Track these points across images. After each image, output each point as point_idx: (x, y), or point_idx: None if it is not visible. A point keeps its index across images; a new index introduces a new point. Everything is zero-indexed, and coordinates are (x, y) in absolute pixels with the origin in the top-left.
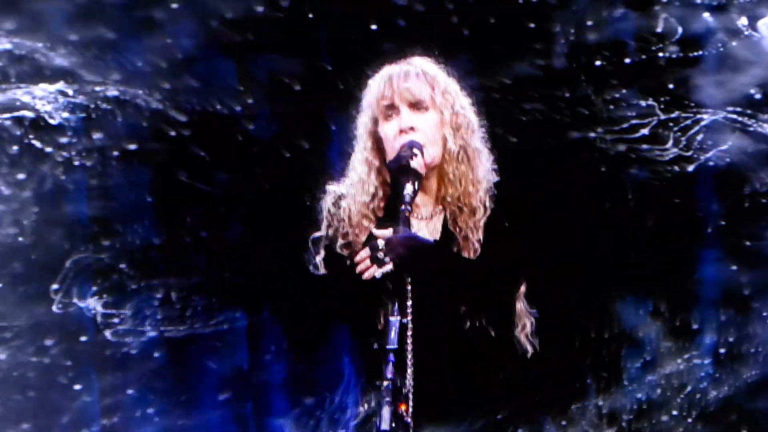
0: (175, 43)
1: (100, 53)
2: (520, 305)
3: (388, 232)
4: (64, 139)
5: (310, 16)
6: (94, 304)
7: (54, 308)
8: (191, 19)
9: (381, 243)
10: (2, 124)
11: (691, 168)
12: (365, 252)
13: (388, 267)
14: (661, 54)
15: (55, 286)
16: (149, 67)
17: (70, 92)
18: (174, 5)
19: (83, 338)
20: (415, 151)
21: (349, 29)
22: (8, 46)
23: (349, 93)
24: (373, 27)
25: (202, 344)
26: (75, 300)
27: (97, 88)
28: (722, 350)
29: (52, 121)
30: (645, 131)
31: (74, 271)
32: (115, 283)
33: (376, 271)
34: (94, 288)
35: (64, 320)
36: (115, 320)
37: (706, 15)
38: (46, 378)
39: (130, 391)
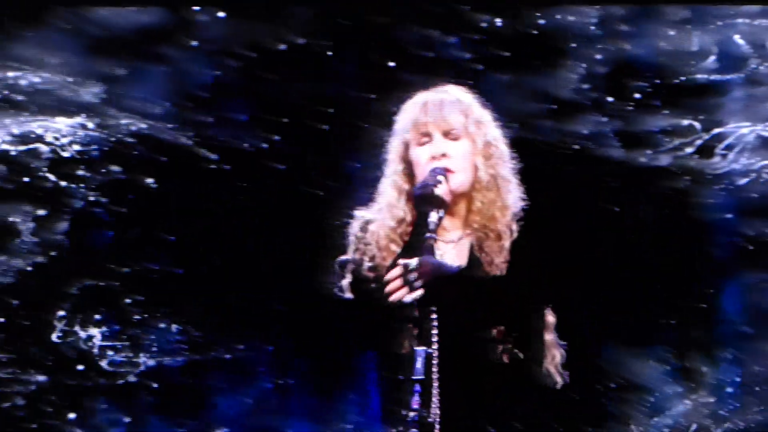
0: (196, 79)
1: (122, 88)
2: (550, 337)
3: (414, 261)
4: (79, 172)
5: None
6: (95, 333)
7: (54, 337)
8: (212, 56)
9: (414, 262)
10: (18, 155)
11: (740, 182)
12: (398, 270)
13: (418, 293)
14: (698, 75)
15: (61, 313)
16: (171, 102)
17: (90, 125)
18: (194, 42)
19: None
20: (440, 178)
21: (370, 64)
22: (36, 79)
23: (380, 119)
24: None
25: (222, 372)
26: (77, 328)
27: (121, 122)
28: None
29: (65, 154)
30: (689, 150)
31: (82, 298)
32: (120, 312)
33: (406, 296)
34: (98, 317)
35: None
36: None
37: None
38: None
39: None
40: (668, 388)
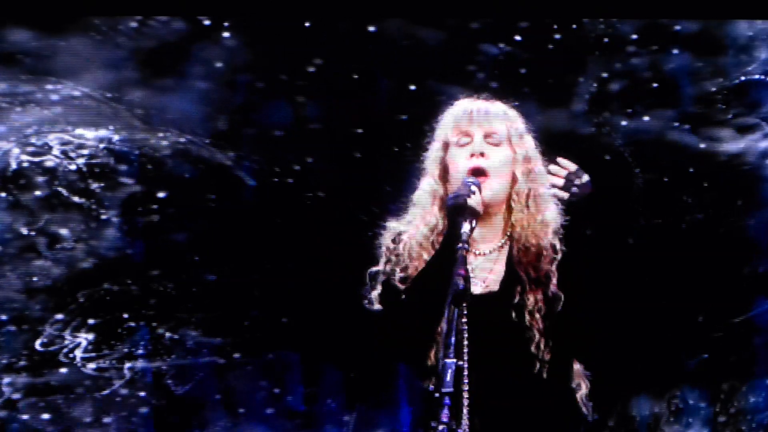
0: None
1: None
2: (576, 366)
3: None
4: (96, 184)
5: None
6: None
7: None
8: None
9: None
10: (35, 165)
11: None
12: (567, 168)
13: (565, 195)
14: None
15: (59, 316)
16: (199, 114)
17: (116, 138)
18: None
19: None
20: (473, 189)
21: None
22: (76, 93)
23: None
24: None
25: (255, 383)
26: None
27: (145, 135)
28: None
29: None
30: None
31: (83, 304)
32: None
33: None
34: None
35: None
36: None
37: None
38: None
39: None
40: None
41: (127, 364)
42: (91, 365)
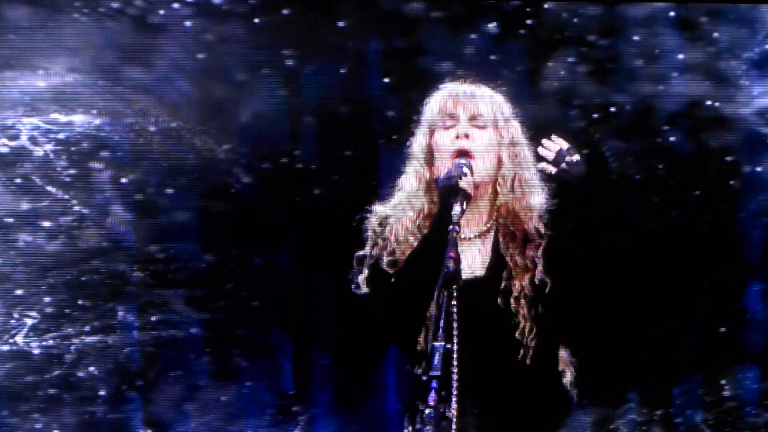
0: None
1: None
2: (562, 352)
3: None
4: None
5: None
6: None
7: None
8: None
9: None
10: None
11: None
12: (559, 144)
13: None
14: None
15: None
16: (198, 101)
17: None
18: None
19: None
20: (465, 170)
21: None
22: (69, 79)
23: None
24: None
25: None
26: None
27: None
28: None
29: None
30: None
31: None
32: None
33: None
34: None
35: None
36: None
37: None
38: None
39: None
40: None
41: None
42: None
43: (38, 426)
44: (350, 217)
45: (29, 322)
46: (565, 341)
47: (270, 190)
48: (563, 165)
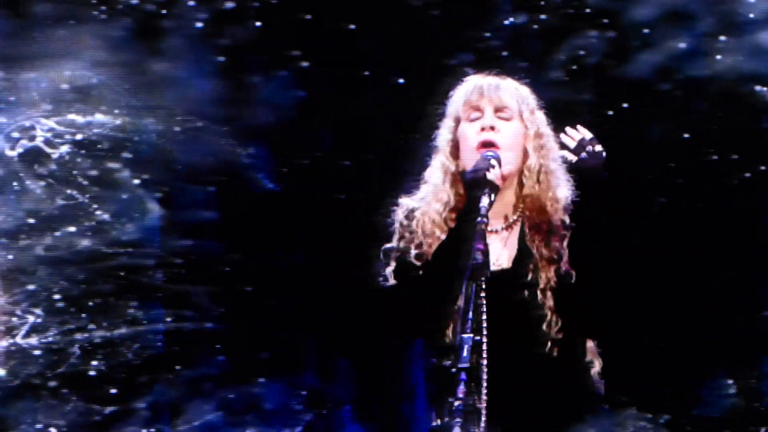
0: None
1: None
2: (589, 343)
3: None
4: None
5: None
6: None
7: None
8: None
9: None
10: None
11: None
12: (582, 133)
13: (573, 157)
14: None
15: None
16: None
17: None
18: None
19: None
20: (493, 162)
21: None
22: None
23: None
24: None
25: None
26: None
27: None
28: None
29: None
30: None
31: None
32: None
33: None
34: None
35: None
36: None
37: None
38: None
39: None
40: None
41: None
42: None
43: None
44: (370, 214)
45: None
46: (591, 333)
47: (293, 190)
48: (583, 154)
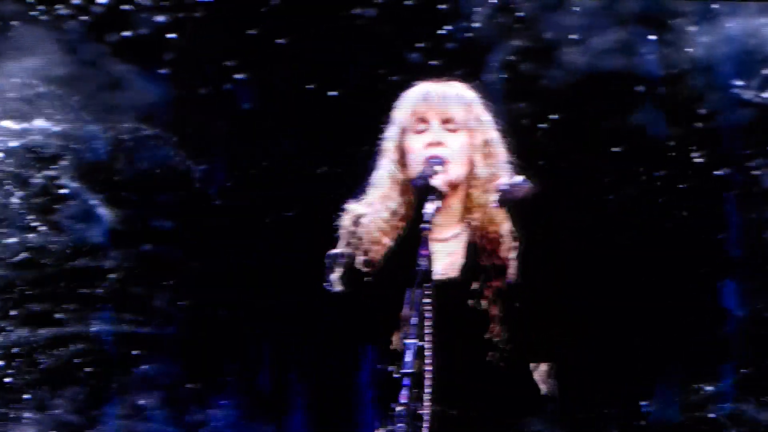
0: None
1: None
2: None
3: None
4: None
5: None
6: None
7: None
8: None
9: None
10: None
11: None
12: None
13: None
14: None
15: None
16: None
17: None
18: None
19: None
20: (437, 168)
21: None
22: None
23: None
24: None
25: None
26: None
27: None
28: None
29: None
30: None
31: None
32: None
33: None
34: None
35: None
36: None
37: None
38: None
39: None
40: None
41: None
42: None
43: None
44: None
45: None
46: (538, 343)
47: (249, 194)
48: (503, 186)
